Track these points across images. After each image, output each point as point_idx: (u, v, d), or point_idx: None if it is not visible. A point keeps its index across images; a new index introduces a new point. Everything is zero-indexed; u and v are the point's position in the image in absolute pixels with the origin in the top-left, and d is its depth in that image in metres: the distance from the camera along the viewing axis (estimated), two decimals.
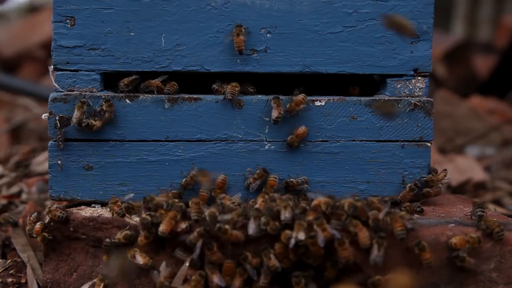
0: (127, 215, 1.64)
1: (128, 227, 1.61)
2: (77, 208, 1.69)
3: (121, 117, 1.72)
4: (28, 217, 1.72)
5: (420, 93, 1.77)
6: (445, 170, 1.78)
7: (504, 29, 7.16)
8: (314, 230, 1.51)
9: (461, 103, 4.48)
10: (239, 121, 1.73)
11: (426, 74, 1.77)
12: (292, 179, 1.72)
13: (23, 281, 1.79)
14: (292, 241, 1.50)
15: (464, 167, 3.28)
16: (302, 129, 1.71)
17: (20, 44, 6.24)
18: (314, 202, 1.57)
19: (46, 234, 1.64)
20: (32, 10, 8.89)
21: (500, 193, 2.91)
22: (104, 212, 1.66)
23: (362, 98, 1.76)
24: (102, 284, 1.60)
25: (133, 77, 1.72)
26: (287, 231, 1.52)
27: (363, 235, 1.51)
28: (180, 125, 1.72)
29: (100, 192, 1.72)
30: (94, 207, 1.70)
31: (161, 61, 1.73)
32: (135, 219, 1.62)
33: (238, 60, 1.74)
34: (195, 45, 1.73)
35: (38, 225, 1.65)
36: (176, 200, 1.62)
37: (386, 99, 1.74)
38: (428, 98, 1.77)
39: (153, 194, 1.65)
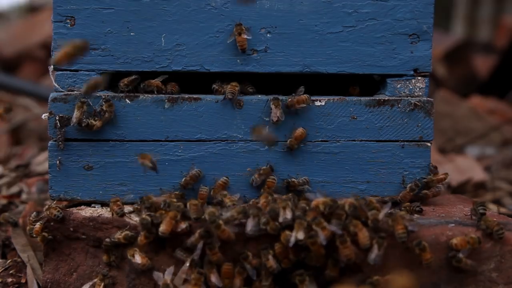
0: (127, 214, 1.64)
1: (128, 227, 1.61)
2: (77, 208, 1.69)
3: (121, 117, 1.72)
4: (28, 217, 1.72)
5: (420, 93, 1.77)
6: (446, 173, 1.78)
7: (504, 29, 7.16)
8: (314, 230, 1.51)
9: (461, 103, 4.48)
10: (239, 121, 1.73)
11: (426, 74, 1.77)
12: (293, 179, 1.72)
13: (23, 281, 1.79)
14: (292, 239, 1.50)
15: (464, 167, 3.28)
16: (299, 130, 1.71)
17: (20, 44, 6.24)
18: (313, 203, 1.57)
19: (46, 234, 1.64)
20: (32, 10, 8.89)
21: (500, 193, 2.91)
22: (104, 212, 1.66)
23: (362, 98, 1.76)
24: (102, 284, 1.60)
25: (133, 77, 1.72)
26: (287, 232, 1.52)
27: (363, 235, 1.52)
28: (180, 125, 1.72)
29: (100, 192, 1.72)
30: (94, 207, 1.70)
31: (161, 61, 1.73)
32: (135, 219, 1.62)
33: (238, 60, 1.74)
34: (195, 45, 1.73)
35: (37, 225, 1.65)
36: (174, 200, 1.62)
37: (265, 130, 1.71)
38: (428, 98, 1.77)
39: (150, 194, 1.64)
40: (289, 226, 1.54)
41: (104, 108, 1.68)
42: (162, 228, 1.55)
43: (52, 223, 1.64)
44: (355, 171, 1.76)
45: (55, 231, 1.65)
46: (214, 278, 1.54)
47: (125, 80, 1.72)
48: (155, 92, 1.73)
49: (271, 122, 1.71)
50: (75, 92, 1.71)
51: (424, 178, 1.75)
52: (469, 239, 1.54)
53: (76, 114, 1.67)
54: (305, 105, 1.71)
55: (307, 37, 1.74)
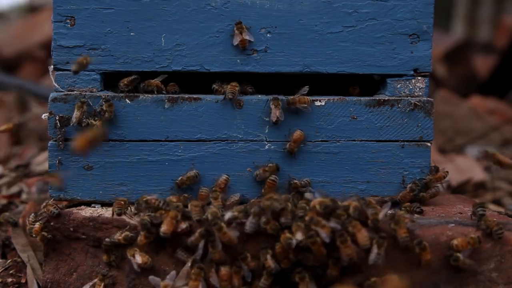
0: (127, 214, 1.64)
1: (128, 227, 1.61)
2: (77, 208, 1.69)
3: (121, 117, 1.72)
4: (27, 218, 1.72)
5: (420, 93, 1.77)
6: (446, 172, 1.78)
7: (504, 29, 7.16)
8: (313, 230, 1.50)
9: (461, 103, 4.48)
10: (239, 121, 1.73)
11: (426, 74, 1.77)
12: (295, 181, 1.72)
13: (23, 281, 1.79)
14: (293, 242, 1.50)
15: (464, 167, 3.28)
16: (297, 133, 1.71)
17: (20, 44, 6.24)
18: (312, 203, 1.57)
19: (45, 233, 1.64)
20: (32, 10, 8.89)
21: (500, 193, 2.91)
22: (104, 212, 1.66)
23: (362, 98, 1.76)
24: (102, 284, 1.60)
25: (133, 77, 1.72)
26: (287, 234, 1.52)
27: (362, 235, 1.51)
28: (180, 125, 1.72)
29: (100, 192, 1.72)
30: (94, 207, 1.70)
31: (161, 61, 1.73)
32: (135, 219, 1.62)
33: (238, 60, 1.74)
34: (195, 45, 1.73)
35: (37, 225, 1.65)
36: (174, 200, 1.62)
37: None
38: (428, 98, 1.77)
39: (144, 195, 1.65)
40: (289, 227, 1.53)
41: (104, 108, 1.68)
42: (164, 228, 1.55)
43: (52, 223, 1.64)
44: (355, 171, 1.76)
45: (55, 231, 1.65)
46: (212, 279, 1.54)
47: (125, 80, 1.72)
48: (155, 92, 1.73)
49: (271, 122, 1.71)
50: (75, 92, 1.71)
51: (424, 179, 1.75)
52: (469, 240, 1.54)
53: (76, 114, 1.67)
54: (306, 105, 1.71)
55: (307, 37, 1.74)
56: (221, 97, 1.73)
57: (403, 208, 1.69)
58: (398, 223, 1.53)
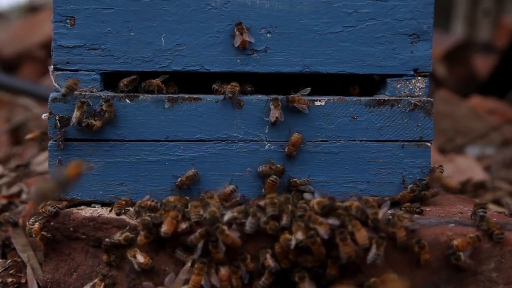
0: (127, 214, 1.64)
1: (128, 227, 1.61)
2: (77, 208, 1.69)
3: (121, 117, 1.72)
4: (27, 218, 1.72)
5: (420, 93, 1.77)
6: (441, 166, 1.79)
7: (504, 29, 7.16)
8: (312, 228, 1.50)
9: (461, 103, 4.48)
10: (239, 121, 1.73)
11: (426, 74, 1.77)
12: (295, 179, 1.72)
13: (23, 281, 1.79)
14: (293, 243, 1.50)
15: (464, 167, 3.28)
16: (295, 136, 1.71)
17: (20, 44, 6.24)
18: (311, 203, 1.57)
19: (44, 233, 1.64)
20: (32, 10, 8.90)
21: (500, 193, 2.91)
22: (104, 212, 1.66)
23: (362, 98, 1.76)
24: (102, 284, 1.60)
25: (133, 77, 1.72)
26: (287, 235, 1.52)
27: (361, 235, 1.51)
28: (180, 125, 1.72)
29: (100, 192, 1.72)
30: (94, 207, 1.70)
31: (161, 61, 1.73)
32: (134, 220, 1.62)
33: (238, 60, 1.74)
34: (195, 45, 1.73)
35: (36, 225, 1.65)
36: (171, 200, 1.62)
37: None
38: (428, 98, 1.77)
39: (138, 199, 1.65)
40: (288, 227, 1.53)
41: (104, 108, 1.68)
42: (164, 228, 1.55)
43: (52, 223, 1.64)
44: (355, 171, 1.76)
45: (55, 231, 1.65)
46: (213, 279, 1.54)
47: (125, 80, 1.72)
48: (156, 92, 1.73)
49: (270, 122, 1.71)
50: (75, 92, 1.71)
51: (424, 180, 1.75)
52: (469, 239, 1.54)
53: (76, 114, 1.67)
54: (304, 106, 1.71)
55: (307, 37, 1.74)
56: (221, 97, 1.73)
57: (403, 208, 1.69)
58: (395, 226, 1.53)
